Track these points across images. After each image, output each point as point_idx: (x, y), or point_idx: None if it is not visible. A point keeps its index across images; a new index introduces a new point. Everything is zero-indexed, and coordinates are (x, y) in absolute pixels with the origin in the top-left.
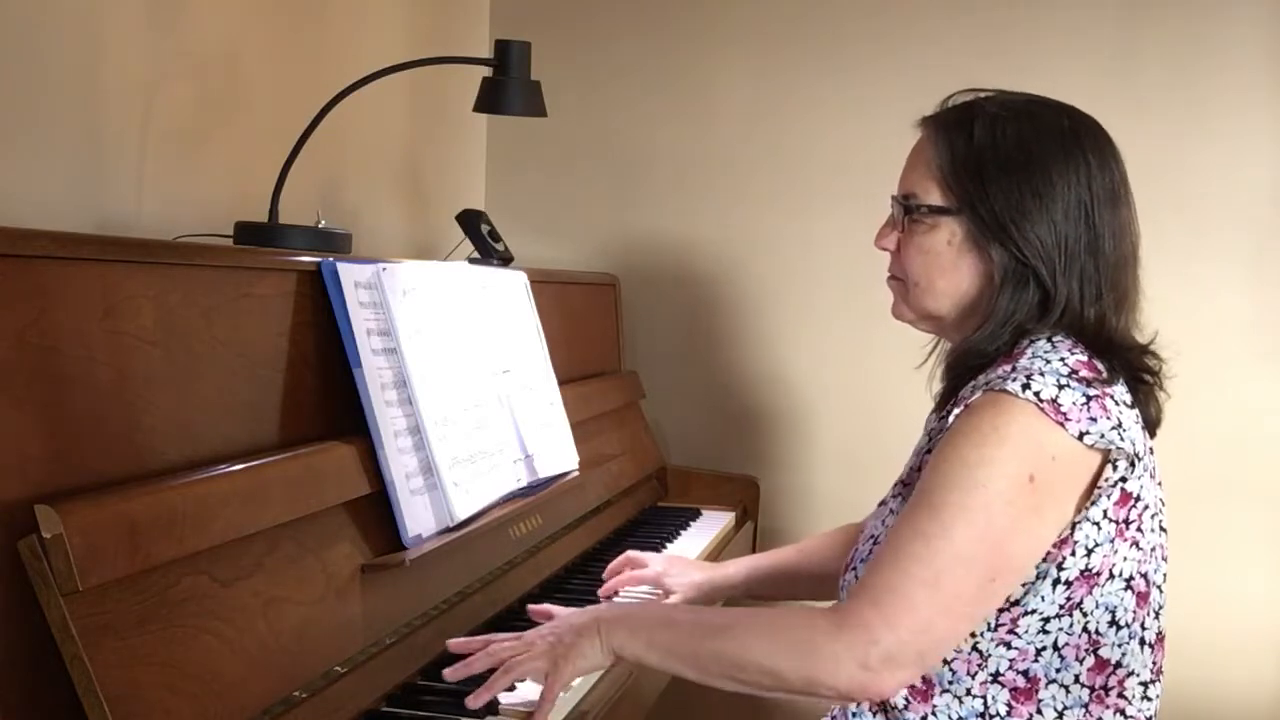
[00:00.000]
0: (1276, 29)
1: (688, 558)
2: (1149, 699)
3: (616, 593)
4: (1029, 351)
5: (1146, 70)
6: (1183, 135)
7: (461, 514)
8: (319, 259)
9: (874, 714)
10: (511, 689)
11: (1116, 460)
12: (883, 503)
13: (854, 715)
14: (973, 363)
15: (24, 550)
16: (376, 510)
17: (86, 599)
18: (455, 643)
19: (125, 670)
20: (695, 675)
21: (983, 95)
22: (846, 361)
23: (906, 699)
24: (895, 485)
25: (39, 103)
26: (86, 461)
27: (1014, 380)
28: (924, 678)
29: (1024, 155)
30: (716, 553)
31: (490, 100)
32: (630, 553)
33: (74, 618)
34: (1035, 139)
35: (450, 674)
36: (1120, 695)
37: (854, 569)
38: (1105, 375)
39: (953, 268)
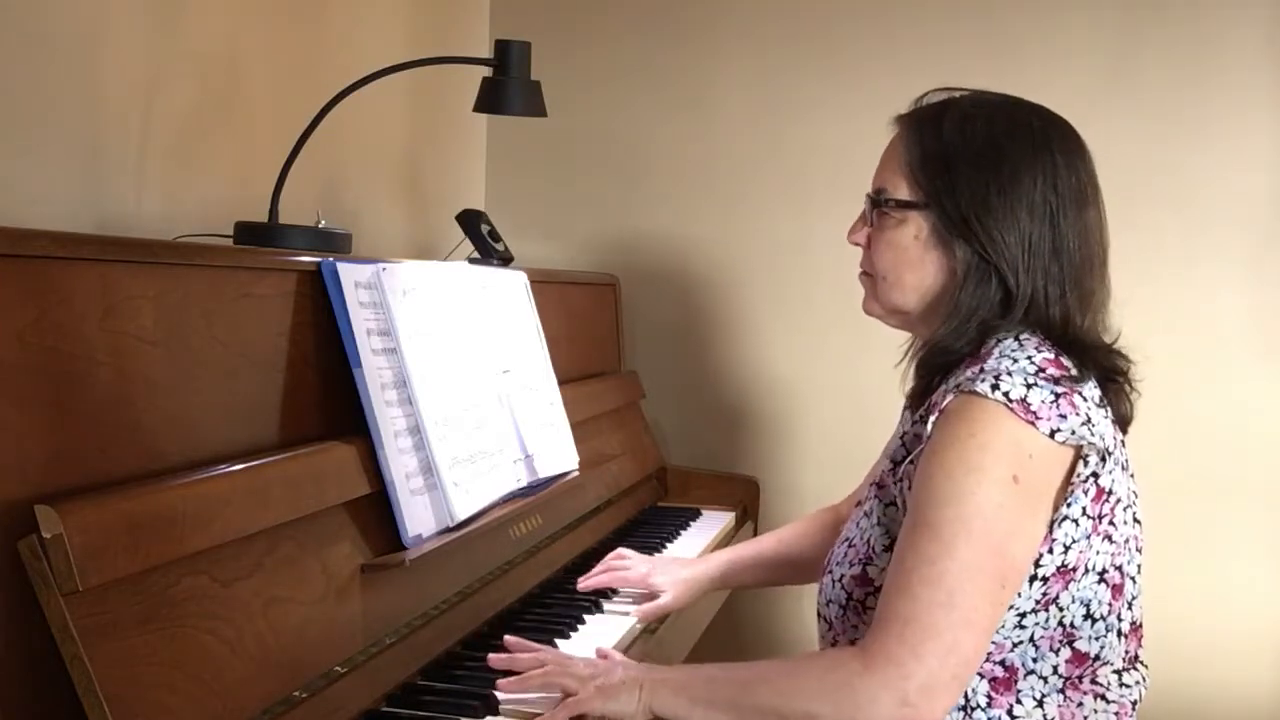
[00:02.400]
0: (1276, 29)
1: (672, 557)
2: (1126, 685)
3: (612, 591)
4: (996, 351)
5: (1146, 71)
6: (1182, 136)
7: (461, 514)
8: (319, 259)
9: None
10: None
11: (1088, 455)
12: (858, 504)
13: None
14: (940, 360)
15: (24, 550)
16: (376, 510)
17: (86, 599)
18: (507, 646)
19: (125, 670)
20: None
21: (957, 94)
22: (847, 361)
23: None
24: (870, 486)
25: (39, 102)
26: (86, 461)
27: (983, 381)
28: None
29: (993, 152)
30: None
31: (490, 100)
32: (616, 551)
33: (74, 618)
34: (1005, 137)
35: (502, 682)
36: (1094, 681)
37: (829, 572)
38: (1074, 373)
39: (919, 262)
